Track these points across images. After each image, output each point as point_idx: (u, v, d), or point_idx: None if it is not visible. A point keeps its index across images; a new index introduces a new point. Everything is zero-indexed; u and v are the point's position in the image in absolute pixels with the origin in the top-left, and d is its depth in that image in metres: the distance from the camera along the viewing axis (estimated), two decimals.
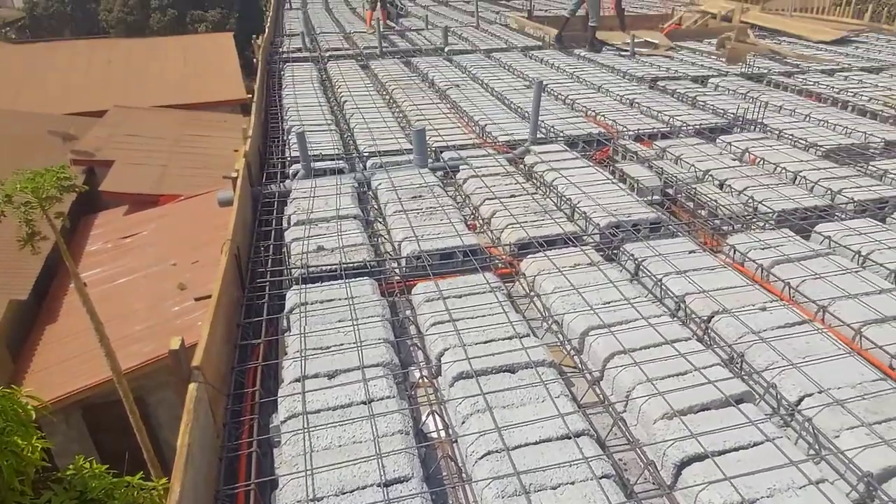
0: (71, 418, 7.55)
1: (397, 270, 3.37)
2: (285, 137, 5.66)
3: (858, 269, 3.21)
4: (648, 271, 3.19)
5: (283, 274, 3.23)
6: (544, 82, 7.53)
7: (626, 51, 9.56)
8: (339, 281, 3.06)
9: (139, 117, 18.10)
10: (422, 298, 2.95)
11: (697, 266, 3.21)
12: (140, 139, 16.71)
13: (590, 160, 5.06)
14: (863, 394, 2.31)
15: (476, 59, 9.16)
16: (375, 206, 4.24)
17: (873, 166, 4.77)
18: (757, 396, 2.41)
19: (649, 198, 4.34)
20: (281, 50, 9.98)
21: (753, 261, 3.29)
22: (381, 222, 3.97)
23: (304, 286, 3.03)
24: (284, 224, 3.83)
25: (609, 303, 2.89)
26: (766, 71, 8.35)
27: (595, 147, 5.46)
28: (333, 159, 4.86)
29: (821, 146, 5.23)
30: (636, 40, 9.68)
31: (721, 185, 4.44)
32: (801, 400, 2.31)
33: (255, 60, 8.51)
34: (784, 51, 9.78)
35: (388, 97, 7.35)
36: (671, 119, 6.00)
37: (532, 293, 3.15)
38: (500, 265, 3.46)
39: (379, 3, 11.90)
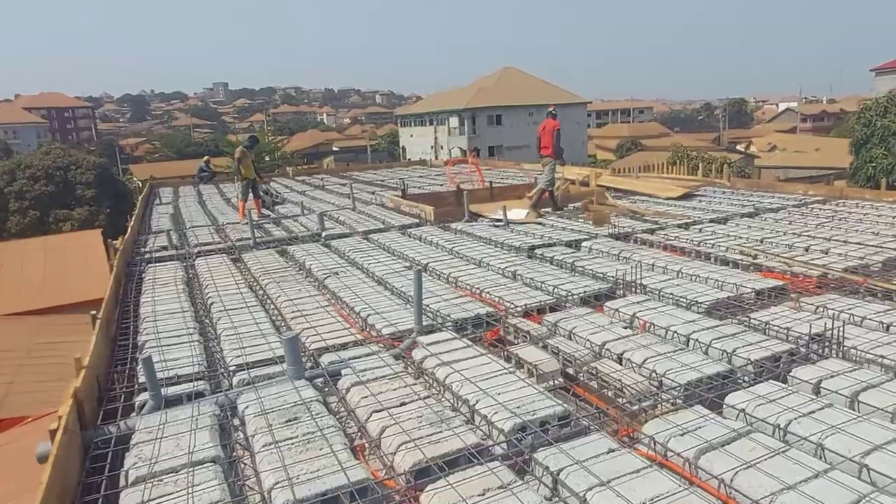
0: None
1: None
2: (138, 355, 4.91)
3: (784, 447, 2.95)
4: (569, 488, 2.72)
5: None
6: (425, 262, 7.43)
7: (500, 222, 9.91)
8: None
9: None
10: None
11: (620, 470, 2.80)
12: None
13: (480, 345, 4.74)
14: None
15: (354, 243, 9.05)
16: (242, 438, 3.55)
17: (755, 319, 4.82)
18: None
19: (550, 383, 4.02)
20: (144, 250, 9.36)
21: (677, 454, 2.94)
22: (247, 463, 3.28)
23: None
24: (121, 482, 3.03)
25: None
26: (630, 230, 8.86)
27: (484, 328, 5.19)
28: (192, 380, 4.17)
29: (701, 303, 5.30)
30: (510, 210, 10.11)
31: (620, 360, 4.22)
32: None
33: (111, 266, 7.79)
34: (641, 210, 10.60)
35: (261, 293, 6.86)
36: (555, 289, 5.95)
37: None
38: (396, 500, 2.86)
39: (251, 193, 11.82)
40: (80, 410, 3.59)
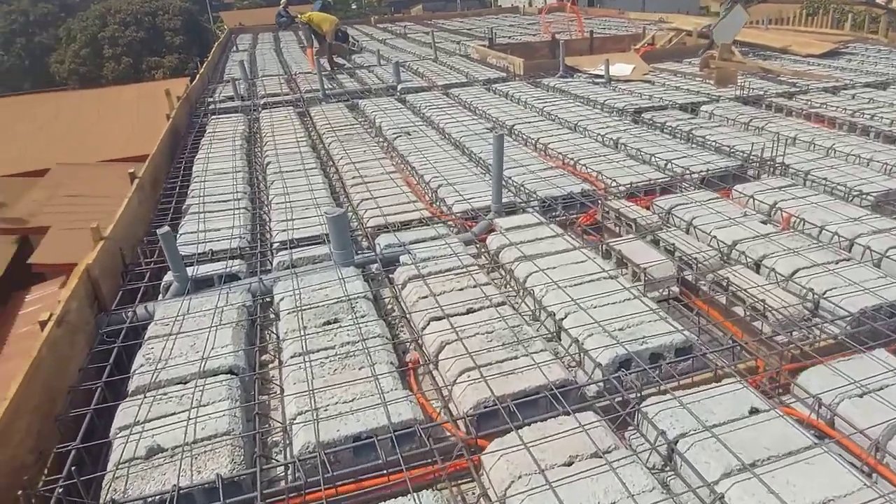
0: None
1: (285, 478, 2.07)
2: (183, 220, 4.37)
3: None
4: (693, 469, 1.91)
5: None
6: (510, 124, 6.38)
7: (601, 78, 8.48)
8: None
9: (84, 175, 16.64)
10: None
11: (771, 446, 1.95)
12: (82, 199, 15.28)
13: (571, 232, 3.85)
14: None
15: (432, 98, 8.00)
16: (273, 338, 2.94)
17: None
18: None
19: (663, 292, 3.11)
20: (209, 100, 8.74)
21: (857, 429, 2.04)
22: (273, 378, 2.67)
23: None
24: (132, 386, 2.51)
25: None
26: (761, 92, 7.27)
27: (577, 210, 4.25)
28: (227, 258, 3.57)
29: (867, 194, 4.07)
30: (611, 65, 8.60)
31: (758, 267, 3.22)
32: None
33: (167, 116, 7.24)
34: (775, 68, 8.76)
35: (323, 153, 6.12)
36: (668, 164, 4.82)
37: None
38: (453, 450, 2.16)
39: (315, 39, 10.72)
40: (97, 290, 3.08)
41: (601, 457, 1.95)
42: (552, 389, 2.27)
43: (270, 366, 2.76)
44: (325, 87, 8.68)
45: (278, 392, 2.48)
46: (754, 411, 2.11)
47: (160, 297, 3.29)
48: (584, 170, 4.93)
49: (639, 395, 2.24)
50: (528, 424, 2.11)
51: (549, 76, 8.99)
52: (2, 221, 14.15)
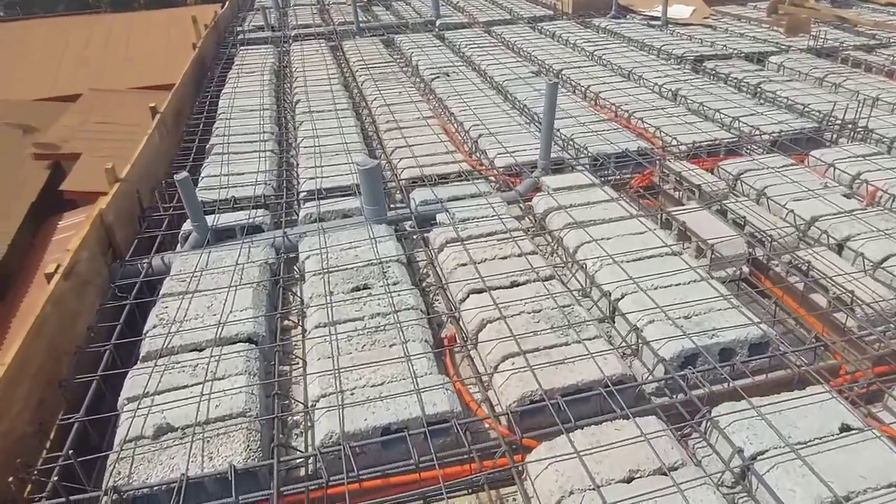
0: None
1: (305, 467, 1.86)
2: (207, 160, 4.11)
3: None
4: (776, 496, 1.64)
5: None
6: (558, 68, 5.90)
7: (657, 21, 7.82)
8: None
9: (115, 101, 16.46)
10: None
11: (868, 475, 1.67)
12: (113, 127, 15.14)
13: (625, 195, 3.49)
14: None
15: (473, 36, 7.48)
16: (298, 302, 2.70)
17: None
18: None
19: (733, 272, 2.77)
20: (238, 28, 8.32)
21: None
22: (293, 350, 2.44)
23: None
24: (143, 350, 2.30)
25: None
26: (837, 44, 6.61)
27: (632, 171, 3.87)
28: (251, 207, 3.31)
29: None
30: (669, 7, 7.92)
31: (840, 248, 2.85)
32: None
33: (193, 46, 6.89)
34: (852, 17, 7.97)
35: (356, 92, 5.75)
36: (734, 122, 4.36)
37: None
38: (492, 447, 1.92)
39: None
40: (111, 238, 2.86)
41: (666, 474, 1.69)
42: (608, 386, 2.00)
43: (293, 332, 2.53)
44: (360, 19, 8.19)
45: (300, 364, 2.25)
46: (845, 428, 1.82)
47: (178, 246, 3.07)
48: (639, 124, 4.50)
49: (708, 393, 1.96)
50: (581, 427, 1.85)
51: (600, 16, 8.35)
52: (35, 146, 14.02)
